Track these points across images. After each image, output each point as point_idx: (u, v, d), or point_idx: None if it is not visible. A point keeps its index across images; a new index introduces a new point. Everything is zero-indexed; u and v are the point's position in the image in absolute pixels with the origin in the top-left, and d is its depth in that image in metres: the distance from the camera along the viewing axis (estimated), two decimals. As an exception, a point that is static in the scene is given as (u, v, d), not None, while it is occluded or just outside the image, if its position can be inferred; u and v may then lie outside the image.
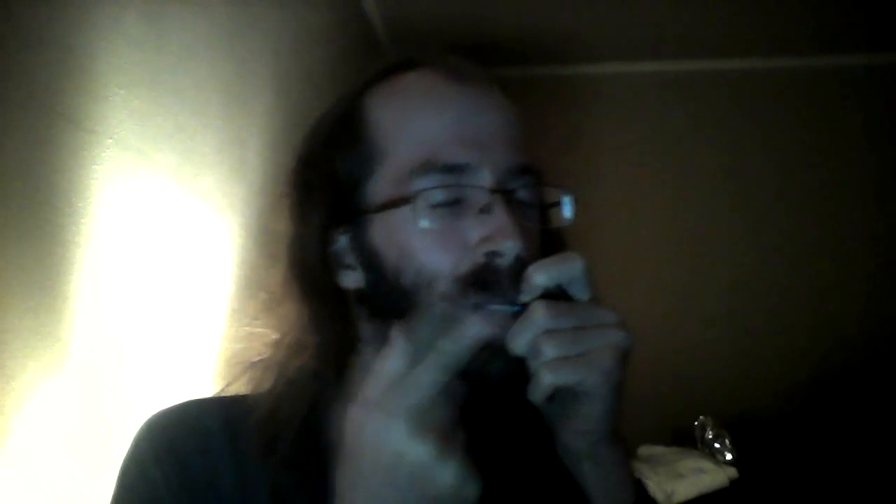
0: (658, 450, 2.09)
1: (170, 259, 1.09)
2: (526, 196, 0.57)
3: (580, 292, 0.51)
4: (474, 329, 0.45)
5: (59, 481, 0.83)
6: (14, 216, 0.77)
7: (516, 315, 0.50)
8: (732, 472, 1.97)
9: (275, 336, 0.62)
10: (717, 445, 2.06)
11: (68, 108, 0.85)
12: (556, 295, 0.50)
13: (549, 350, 0.48)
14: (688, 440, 2.12)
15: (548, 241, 0.59)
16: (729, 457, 2.03)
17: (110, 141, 0.93)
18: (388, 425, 0.43)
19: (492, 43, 2.36)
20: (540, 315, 0.48)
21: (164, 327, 1.07)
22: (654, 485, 1.84)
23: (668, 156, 2.61)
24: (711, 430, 2.09)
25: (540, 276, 0.50)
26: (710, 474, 1.94)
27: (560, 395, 0.49)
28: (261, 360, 0.61)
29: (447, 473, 0.42)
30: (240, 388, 0.62)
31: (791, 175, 2.56)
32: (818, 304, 2.44)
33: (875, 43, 2.47)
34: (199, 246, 1.19)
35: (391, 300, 0.55)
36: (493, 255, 0.53)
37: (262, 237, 1.35)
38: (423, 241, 0.54)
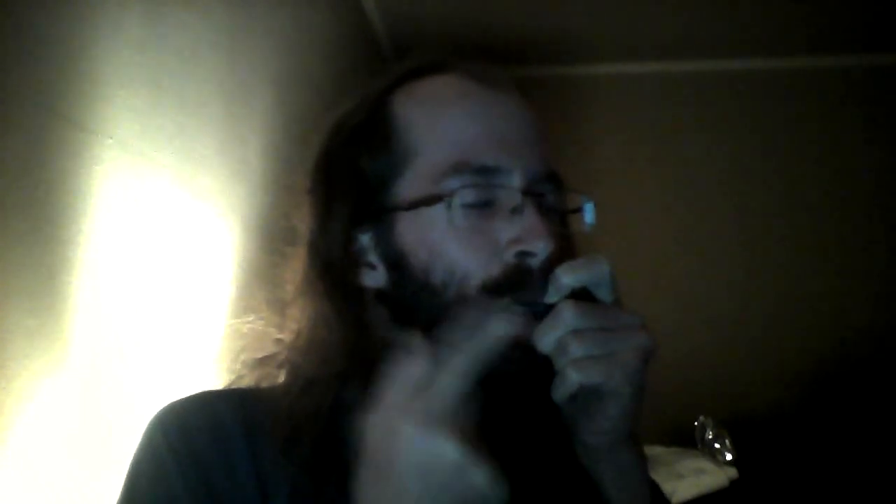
0: (658, 450, 2.09)
1: (170, 259, 1.09)
2: (551, 201, 0.58)
3: (605, 294, 0.52)
4: (498, 329, 0.44)
5: (59, 481, 0.82)
6: (14, 216, 0.77)
7: (541, 315, 0.50)
8: (732, 472, 1.96)
9: (285, 333, 0.61)
10: (717, 445, 2.05)
11: (68, 108, 0.85)
12: (581, 296, 0.51)
13: (577, 349, 0.48)
14: (688, 440, 2.12)
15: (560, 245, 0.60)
16: (729, 457, 2.02)
17: (110, 141, 0.93)
18: (419, 430, 0.42)
19: (492, 43, 2.36)
20: (568, 314, 0.49)
21: (164, 327, 1.07)
22: (655, 485, 1.83)
23: (668, 156, 2.62)
24: (711, 430, 2.08)
25: (568, 277, 0.51)
26: (710, 474, 1.93)
27: (582, 395, 0.49)
28: (272, 356, 0.61)
29: (480, 475, 0.42)
30: (250, 383, 0.61)
31: (791, 175, 2.56)
32: (818, 304, 2.44)
33: (875, 43, 2.47)
34: (199, 246, 1.19)
35: (417, 299, 0.55)
36: (524, 255, 0.54)
37: (264, 236, 1.35)
38: (455, 240, 0.55)
